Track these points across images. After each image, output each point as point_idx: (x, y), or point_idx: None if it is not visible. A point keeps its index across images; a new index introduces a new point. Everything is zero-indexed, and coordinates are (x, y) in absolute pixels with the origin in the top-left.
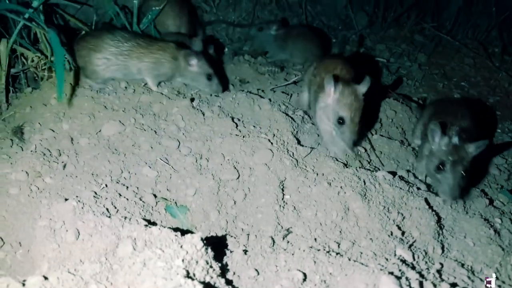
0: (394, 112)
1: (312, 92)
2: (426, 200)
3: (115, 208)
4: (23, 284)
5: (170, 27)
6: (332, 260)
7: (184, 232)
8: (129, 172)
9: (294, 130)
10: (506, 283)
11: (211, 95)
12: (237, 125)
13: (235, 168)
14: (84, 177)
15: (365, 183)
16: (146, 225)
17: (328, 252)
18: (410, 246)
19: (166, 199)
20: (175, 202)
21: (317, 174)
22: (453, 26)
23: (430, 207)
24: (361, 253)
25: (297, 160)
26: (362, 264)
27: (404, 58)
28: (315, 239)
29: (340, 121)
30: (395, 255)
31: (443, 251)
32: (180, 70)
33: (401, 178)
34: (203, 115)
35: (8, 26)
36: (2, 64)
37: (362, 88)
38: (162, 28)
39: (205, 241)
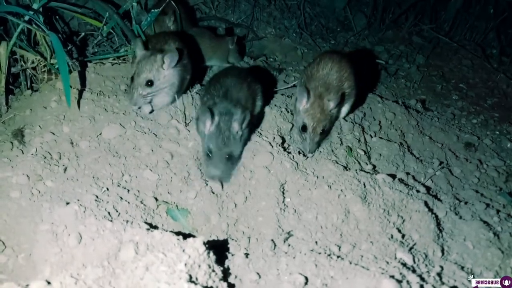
0: (393, 114)
1: None
2: (425, 203)
3: (117, 211)
4: None
5: None
6: (333, 264)
7: (185, 236)
8: (130, 175)
9: None
10: None
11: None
12: None
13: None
14: (85, 180)
15: (365, 186)
16: (148, 229)
17: (329, 255)
18: (410, 249)
19: (167, 202)
20: (176, 205)
21: (317, 177)
22: (451, 28)
23: (430, 210)
24: (362, 256)
25: (297, 163)
26: (363, 267)
27: (403, 60)
28: (316, 242)
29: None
30: (395, 258)
31: (443, 254)
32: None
33: (401, 180)
34: None
35: (8, 28)
36: (2, 67)
37: None
38: None
39: (207, 245)
